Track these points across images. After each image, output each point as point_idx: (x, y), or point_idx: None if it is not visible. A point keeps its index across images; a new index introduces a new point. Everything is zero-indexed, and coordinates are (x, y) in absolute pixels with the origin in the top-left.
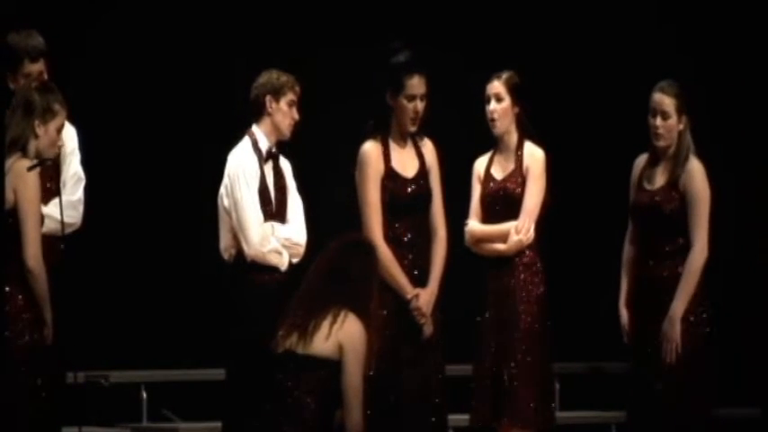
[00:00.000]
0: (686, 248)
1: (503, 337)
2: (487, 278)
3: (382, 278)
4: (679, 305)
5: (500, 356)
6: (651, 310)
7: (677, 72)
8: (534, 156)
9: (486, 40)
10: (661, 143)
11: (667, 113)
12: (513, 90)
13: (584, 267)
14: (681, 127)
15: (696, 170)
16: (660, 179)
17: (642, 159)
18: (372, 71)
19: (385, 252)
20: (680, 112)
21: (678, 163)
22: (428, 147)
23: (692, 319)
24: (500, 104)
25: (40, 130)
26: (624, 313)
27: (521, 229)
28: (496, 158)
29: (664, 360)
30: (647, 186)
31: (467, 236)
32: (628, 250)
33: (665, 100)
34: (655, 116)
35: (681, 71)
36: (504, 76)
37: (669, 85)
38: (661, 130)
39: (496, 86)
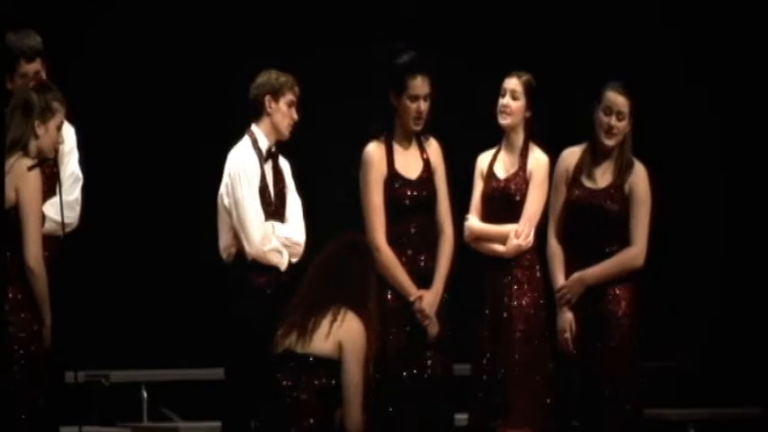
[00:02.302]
0: None
1: (500, 337)
2: (486, 277)
3: (385, 279)
4: (592, 275)
5: (498, 356)
6: (597, 315)
7: (680, 75)
8: (539, 161)
9: (490, 39)
10: (612, 142)
11: (623, 114)
12: (529, 91)
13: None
14: (628, 128)
15: (642, 174)
16: (604, 179)
17: (573, 154)
18: (376, 71)
19: (388, 254)
20: (632, 113)
21: (625, 165)
22: (433, 147)
23: (625, 326)
24: (515, 102)
25: (40, 130)
26: (569, 316)
27: (520, 234)
28: (501, 156)
29: (602, 361)
30: (589, 184)
31: (466, 232)
32: (555, 245)
33: (620, 100)
34: (609, 115)
35: (684, 75)
36: (525, 76)
37: (623, 87)
38: (615, 130)
39: (514, 84)
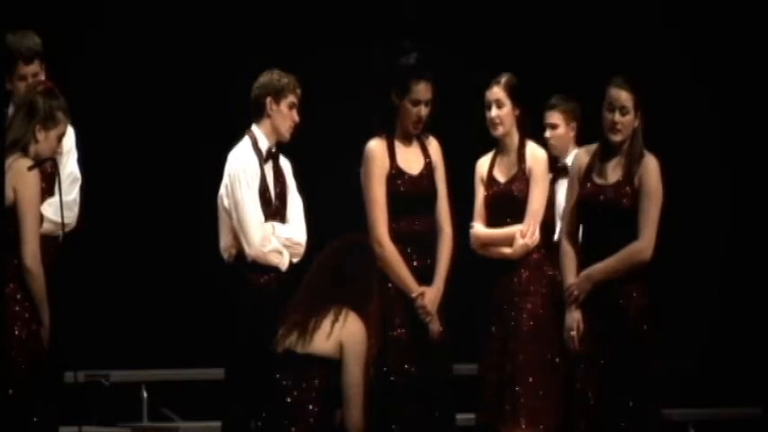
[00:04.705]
0: None
1: (508, 337)
2: (493, 280)
3: (388, 277)
4: (599, 270)
5: (505, 356)
6: (608, 312)
7: (679, 74)
8: (536, 157)
9: (487, 38)
10: (618, 138)
11: (626, 108)
12: (512, 93)
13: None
14: (636, 123)
15: (652, 166)
16: (614, 175)
17: (587, 153)
18: (380, 69)
19: (390, 250)
20: (636, 107)
21: (634, 159)
22: (433, 145)
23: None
24: (501, 110)
25: (40, 135)
26: (576, 315)
27: (526, 233)
28: (498, 160)
29: (611, 364)
30: (599, 181)
31: (472, 239)
32: (566, 245)
33: (623, 95)
34: (613, 111)
35: (683, 73)
36: (503, 80)
37: (626, 81)
38: (620, 126)
39: (496, 92)
